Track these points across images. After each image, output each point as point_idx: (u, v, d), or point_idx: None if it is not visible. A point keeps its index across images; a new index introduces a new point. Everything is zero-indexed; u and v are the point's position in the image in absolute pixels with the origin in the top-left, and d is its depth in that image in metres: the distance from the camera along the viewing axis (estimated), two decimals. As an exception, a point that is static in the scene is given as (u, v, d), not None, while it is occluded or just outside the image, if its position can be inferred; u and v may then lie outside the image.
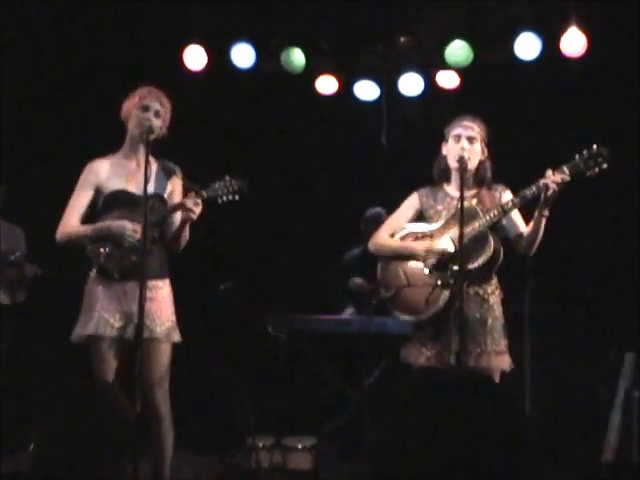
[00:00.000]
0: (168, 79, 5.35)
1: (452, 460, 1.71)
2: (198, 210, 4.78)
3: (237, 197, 4.81)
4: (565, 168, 4.60)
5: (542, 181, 4.60)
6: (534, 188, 4.63)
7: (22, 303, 7.05)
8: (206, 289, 6.02)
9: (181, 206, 4.82)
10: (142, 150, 4.86)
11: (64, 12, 7.13)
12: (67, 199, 4.92)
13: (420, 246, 4.91)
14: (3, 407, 6.44)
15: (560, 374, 6.67)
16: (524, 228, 4.88)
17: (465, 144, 4.88)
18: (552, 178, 4.57)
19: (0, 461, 6.11)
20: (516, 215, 4.89)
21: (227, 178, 4.81)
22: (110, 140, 5.02)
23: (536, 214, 4.72)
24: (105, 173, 4.92)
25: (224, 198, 4.82)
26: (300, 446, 6.49)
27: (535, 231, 4.77)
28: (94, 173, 4.93)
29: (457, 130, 4.91)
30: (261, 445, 6.38)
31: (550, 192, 4.57)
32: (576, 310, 6.89)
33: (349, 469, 6.32)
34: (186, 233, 4.95)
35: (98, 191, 4.92)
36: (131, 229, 4.74)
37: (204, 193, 4.82)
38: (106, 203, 4.89)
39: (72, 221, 4.87)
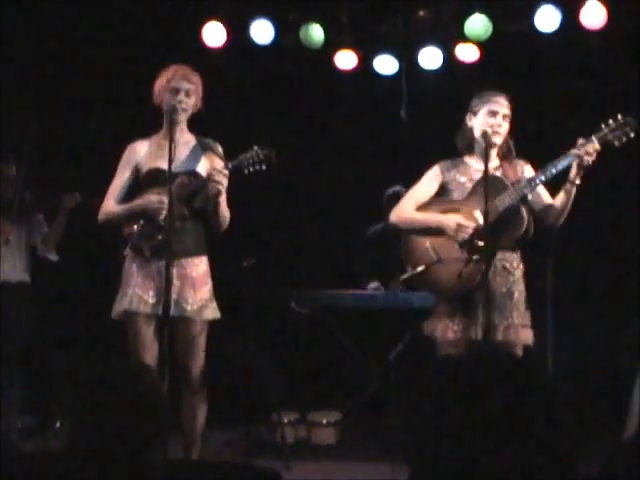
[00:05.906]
0: (188, 57, 5.36)
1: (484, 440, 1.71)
2: (225, 181, 4.81)
3: (264, 167, 4.80)
4: (594, 138, 4.59)
5: (574, 151, 4.60)
6: (566, 160, 4.63)
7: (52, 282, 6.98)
8: (229, 265, 6.03)
9: (207, 179, 4.85)
10: (177, 129, 4.90)
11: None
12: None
13: (451, 220, 4.89)
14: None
15: (582, 349, 6.67)
16: (551, 199, 4.88)
17: (500, 120, 4.89)
18: (585, 149, 4.56)
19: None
20: (541, 187, 4.88)
21: (255, 148, 4.81)
22: (138, 118, 5.07)
23: (567, 185, 4.70)
24: (143, 153, 5.04)
25: (250, 168, 4.81)
26: (325, 421, 6.54)
27: (566, 202, 4.75)
28: (133, 153, 5.06)
29: (494, 106, 4.89)
30: (286, 420, 6.42)
31: (584, 163, 4.57)
32: (598, 285, 6.88)
33: (373, 444, 6.34)
34: (224, 210, 4.97)
35: (138, 171, 5.04)
36: (156, 200, 4.82)
37: (229, 164, 4.84)
38: (143, 182, 5.01)
39: (110, 202, 5.02)
